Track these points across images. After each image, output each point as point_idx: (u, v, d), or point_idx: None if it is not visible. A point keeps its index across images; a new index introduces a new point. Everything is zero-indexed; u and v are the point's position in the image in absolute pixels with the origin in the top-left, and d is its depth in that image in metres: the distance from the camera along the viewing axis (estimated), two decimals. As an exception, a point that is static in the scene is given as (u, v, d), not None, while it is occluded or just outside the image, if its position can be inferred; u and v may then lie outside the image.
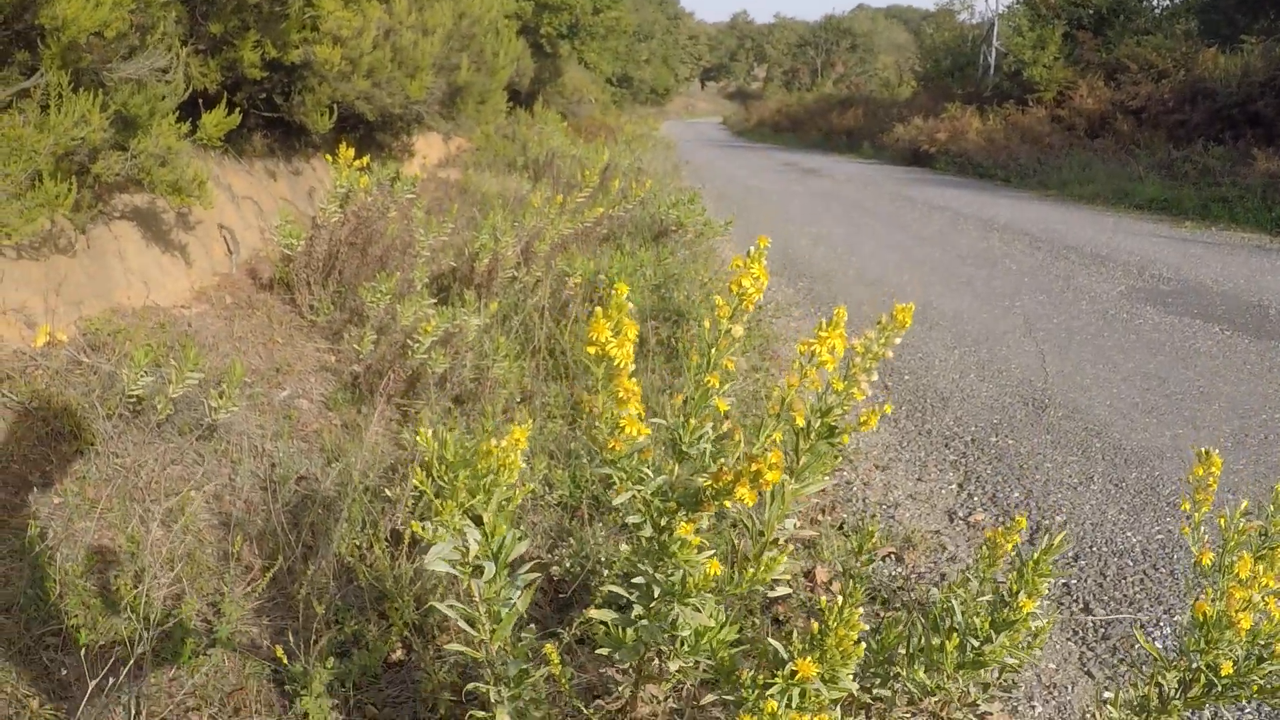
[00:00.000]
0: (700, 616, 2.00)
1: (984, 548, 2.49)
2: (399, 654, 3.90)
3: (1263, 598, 2.10)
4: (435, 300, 7.36)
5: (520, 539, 2.14)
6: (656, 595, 2.06)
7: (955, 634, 2.28)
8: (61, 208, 5.27)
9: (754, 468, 1.87)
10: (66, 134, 5.22)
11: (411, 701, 3.59)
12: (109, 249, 6.34)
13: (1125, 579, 4.86)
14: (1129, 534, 5.31)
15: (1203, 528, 2.38)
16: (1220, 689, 2.12)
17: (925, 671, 2.33)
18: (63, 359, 5.09)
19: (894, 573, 4.86)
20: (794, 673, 1.77)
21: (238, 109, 7.78)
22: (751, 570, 2.01)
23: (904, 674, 2.37)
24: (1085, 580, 4.86)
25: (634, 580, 2.12)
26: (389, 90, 10.41)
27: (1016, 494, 5.79)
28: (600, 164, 12.09)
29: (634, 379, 2.00)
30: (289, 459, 5.19)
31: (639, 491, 2.04)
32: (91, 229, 6.19)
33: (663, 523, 2.02)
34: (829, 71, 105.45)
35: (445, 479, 1.98)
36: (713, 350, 2.09)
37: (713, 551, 2.07)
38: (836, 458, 2.50)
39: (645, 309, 8.29)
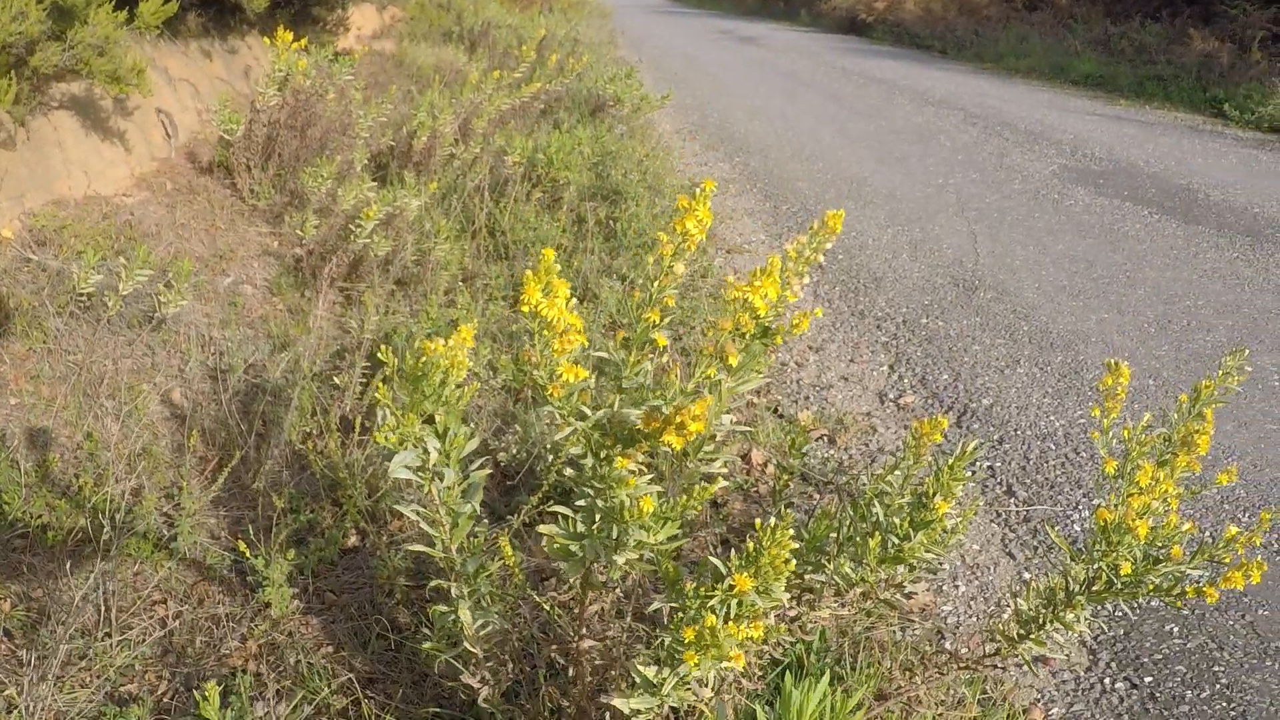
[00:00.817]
0: (642, 534, 2.15)
1: (909, 438, 2.63)
2: (353, 540, 4.03)
3: (1161, 503, 2.28)
4: (375, 180, 7.42)
5: (470, 437, 2.28)
6: (598, 519, 2.21)
7: (878, 532, 2.45)
8: (2, 104, 5.28)
9: (680, 418, 2.01)
10: (4, 29, 5.22)
11: (368, 586, 3.73)
12: (48, 140, 6.33)
13: (1048, 462, 5.05)
14: (1052, 418, 5.50)
15: (1111, 433, 2.53)
16: (1120, 587, 2.30)
17: (850, 565, 2.50)
18: (10, 257, 5.12)
19: (827, 455, 5.03)
20: (732, 586, 1.93)
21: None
22: (685, 498, 2.15)
23: (830, 567, 2.53)
24: (1009, 464, 5.04)
25: (578, 503, 2.27)
26: (323, -37, 10.34)
27: (945, 376, 5.96)
28: (537, 37, 12.07)
29: (573, 312, 2.11)
30: (236, 347, 5.28)
31: (580, 426, 2.18)
32: (30, 121, 6.18)
33: (601, 455, 2.16)
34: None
35: (405, 391, 2.11)
36: (655, 285, 2.21)
37: (648, 478, 2.20)
38: (771, 355, 2.64)
39: (584, 189, 8.37)
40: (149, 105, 7.40)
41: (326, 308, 6.08)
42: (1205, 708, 3.53)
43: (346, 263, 6.32)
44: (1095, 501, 4.70)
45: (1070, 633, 2.47)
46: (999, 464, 5.04)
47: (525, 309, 2.02)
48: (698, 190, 2.19)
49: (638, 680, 2.11)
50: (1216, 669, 3.72)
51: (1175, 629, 3.93)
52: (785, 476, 3.30)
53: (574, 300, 2.14)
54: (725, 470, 2.75)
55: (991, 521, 4.57)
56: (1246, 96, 16.84)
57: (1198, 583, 2.23)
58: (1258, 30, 19.65)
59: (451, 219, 7.25)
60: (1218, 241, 8.81)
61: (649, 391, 2.21)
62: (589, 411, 2.17)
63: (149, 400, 4.63)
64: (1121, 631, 3.90)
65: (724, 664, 1.97)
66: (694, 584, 2.00)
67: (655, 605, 2.33)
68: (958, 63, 24.02)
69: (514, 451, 4.53)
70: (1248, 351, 2.46)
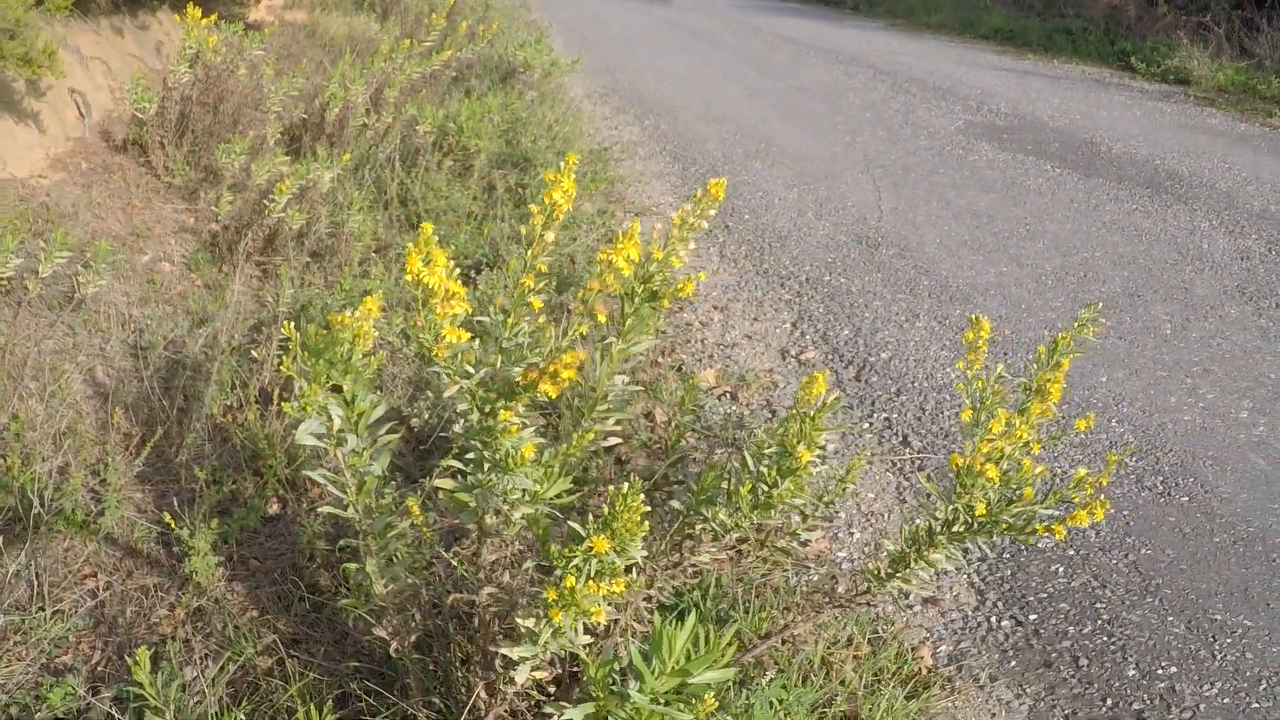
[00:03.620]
0: (526, 482, 2.35)
1: (798, 394, 2.80)
2: (275, 508, 4.19)
3: (1013, 450, 2.49)
4: (288, 153, 7.51)
5: (377, 404, 2.45)
6: (486, 470, 2.40)
7: (749, 480, 2.64)
8: (-88, 90, 5.34)
9: (553, 368, 2.19)
10: (-86, 15, 5.28)
11: (290, 552, 3.90)
12: (-38, 125, 6.41)
13: (943, 413, 5.28)
14: (949, 370, 5.72)
15: (975, 384, 2.73)
16: (976, 526, 2.51)
17: (725, 512, 2.70)
18: (-75, 241, 5.21)
19: (729, 410, 5.23)
20: (591, 548, 2.12)
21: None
22: (566, 446, 2.34)
23: (708, 515, 2.73)
24: (905, 415, 5.26)
25: (468, 456, 2.45)
26: (232, -64, 10.35)
27: (846, 332, 6.17)
28: (447, 4, 12.15)
29: (455, 279, 2.29)
30: (156, 324, 5.40)
31: (464, 384, 2.36)
32: (-57, 107, 6.25)
33: (486, 409, 2.35)
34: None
35: (308, 363, 2.28)
36: (528, 253, 2.39)
37: (532, 429, 2.39)
38: (659, 318, 2.82)
39: (495, 156, 8.49)
40: (62, 85, 7.44)
41: (244, 282, 6.19)
42: (1087, 643, 3.77)
43: (262, 237, 6.42)
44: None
45: (933, 570, 2.68)
46: (895, 415, 5.25)
47: (409, 278, 2.18)
48: (562, 164, 2.37)
49: (522, 631, 2.31)
50: (1099, 605, 3.96)
51: (1060, 569, 4.17)
52: (678, 433, 3.48)
53: (482, 269, 2.30)
54: (619, 428, 2.94)
55: (887, 470, 4.79)
56: (1153, 49, 17.15)
57: (1047, 522, 2.44)
58: (1166, -18, 19.97)
59: (364, 190, 7.37)
60: (1118, 194, 9.08)
61: (527, 350, 2.39)
62: (472, 370, 2.35)
63: (72, 380, 4.74)
64: (1009, 572, 4.13)
65: (588, 619, 2.18)
66: (558, 545, 2.19)
67: (528, 564, 2.53)
68: (869, 19, 24.21)
69: (426, 417, 4.69)
70: (1102, 304, 2.66)
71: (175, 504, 4.01)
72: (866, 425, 5.17)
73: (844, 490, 3.17)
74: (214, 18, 7.72)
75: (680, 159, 10.19)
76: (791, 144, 10.73)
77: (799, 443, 2.52)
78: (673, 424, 4.57)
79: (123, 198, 6.90)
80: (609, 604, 2.23)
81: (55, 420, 4.38)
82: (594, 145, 10.26)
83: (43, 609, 3.43)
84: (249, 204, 6.59)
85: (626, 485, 2.09)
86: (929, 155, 10.31)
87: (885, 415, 5.26)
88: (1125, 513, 4.51)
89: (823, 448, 2.59)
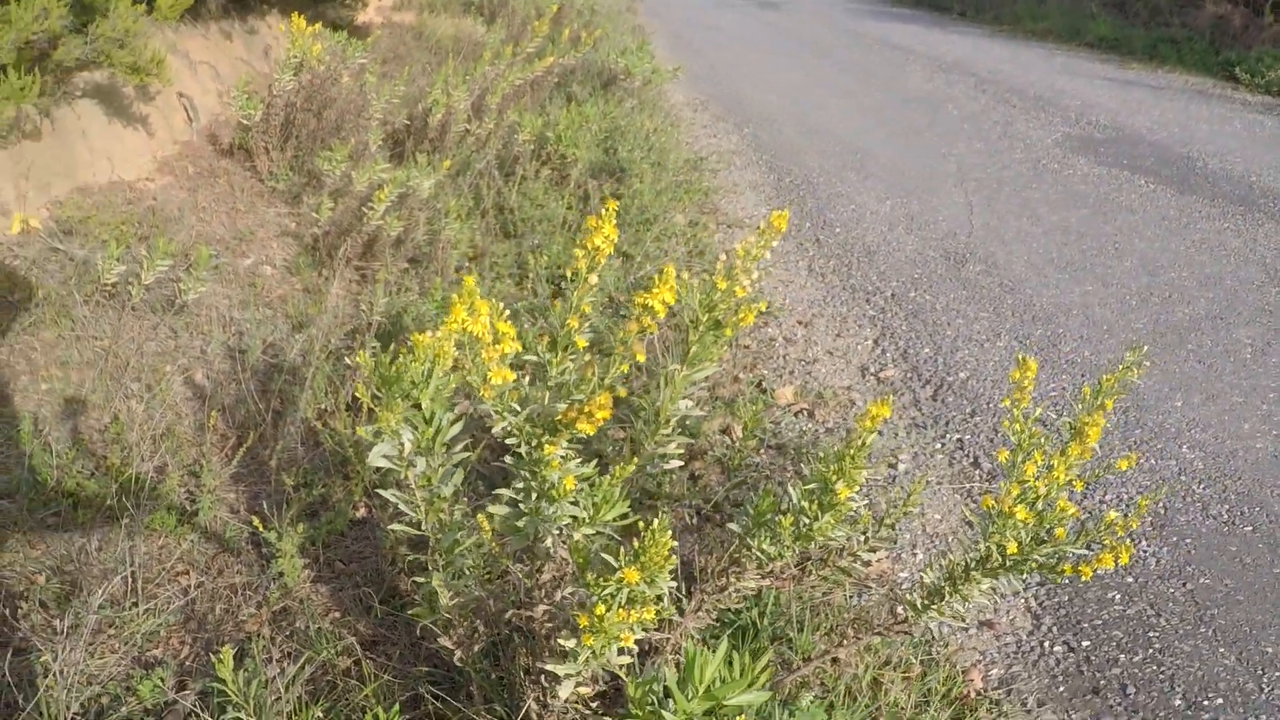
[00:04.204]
0: (572, 509, 2.49)
1: (861, 421, 2.88)
2: (361, 512, 4.35)
3: (1049, 489, 2.58)
4: (391, 157, 7.70)
5: (455, 423, 2.60)
6: (534, 497, 2.54)
7: (791, 514, 2.75)
8: (28, 99, 5.54)
9: (589, 408, 2.33)
10: (28, 28, 5.48)
11: (374, 556, 4.05)
12: (73, 129, 6.60)
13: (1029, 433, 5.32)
14: (1026, 391, 5.76)
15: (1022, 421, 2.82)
16: (1008, 564, 2.61)
17: (769, 541, 2.81)
18: (38, 247, 5.42)
19: (804, 428, 5.31)
20: (622, 579, 2.25)
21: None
22: (614, 471, 2.48)
23: (752, 544, 2.84)
24: (978, 436, 5.30)
25: (516, 485, 2.60)
26: (342, -58, 10.57)
27: (927, 350, 6.23)
28: (552, 11, 12.30)
29: (508, 322, 2.43)
30: (255, 328, 5.58)
31: (513, 420, 2.50)
32: (55, 111, 6.44)
33: (533, 443, 2.49)
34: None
35: (382, 392, 2.44)
36: (575, 295, 2.53)
37: (576, 460, 2.53)
38: (722, 346, 2.94)
39: (592, 165, 8.62)
40: (170, 89, 7.65)
41: (342, 287, 6.37)
42: (1136, 671, 3.82)
43: (361, 243, 6.59)
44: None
45: (968, 603, 2.78)
46: (968, 436, 5.30)
47: (454, 327, 2.32)
48: (603, 210, 2.49)
49: (565, 649, 2.44)
50: (1151, 634, 4.01)
51: (1117, 596, 4.22)
52: (740, 457, 3.60)
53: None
54: (680, 452, 3.06)
55: (955, 492, 4.85)
56: (1258, 60, 16.88)
57: (1076, 562, 2.53)
58: (1272, -7, 19.69)
59: (462, 198, 7.53)
60: (1210, 212, 9.02)
61: (572, 387, 2.53)
62: (519, 407, 2.49)
63: (172, 381, 4.94)
64: (1066, 597, 4.19)
65: (618, 643, 2.32)
66: (594, 575, 2.33)
67: (567, 589, 2.67)
68: (975, 25, 24.04)
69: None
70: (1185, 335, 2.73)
71: (266, 506, 4.18)
72: (939, 445, 5.23)
73: (905, 512, 3.27)
74: (318, 26, 7.91)
75: (776, 169, 10.27)
76: (887, 156, 10.77)
77: (838, 480, 2.62)
78: (738, 447, 4.66)
79: (227, 202, 7.11)
80: (643, 629, 2.36)
81: (154, 421, 4.57)
82: (690, 155, 10.36)
83: (136, 604, 3.60)
84: (349, 210, 6.76)
85: (655, 522, 2.22)
86: (1024, 169, 10.29)
87: (958, 436, 5.31)
88: (1188, 541, 4.54)
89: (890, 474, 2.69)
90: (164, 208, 6.51)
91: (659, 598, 2.32)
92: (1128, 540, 2.47)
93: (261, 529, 3.85)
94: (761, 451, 4.92)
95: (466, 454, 2.73)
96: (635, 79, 12.15)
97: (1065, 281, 7.27)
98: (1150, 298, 7.04)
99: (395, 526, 2.74)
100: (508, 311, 2.44)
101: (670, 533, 2.22)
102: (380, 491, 2.72)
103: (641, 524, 2.27)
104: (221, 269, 5.99)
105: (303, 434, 4.75)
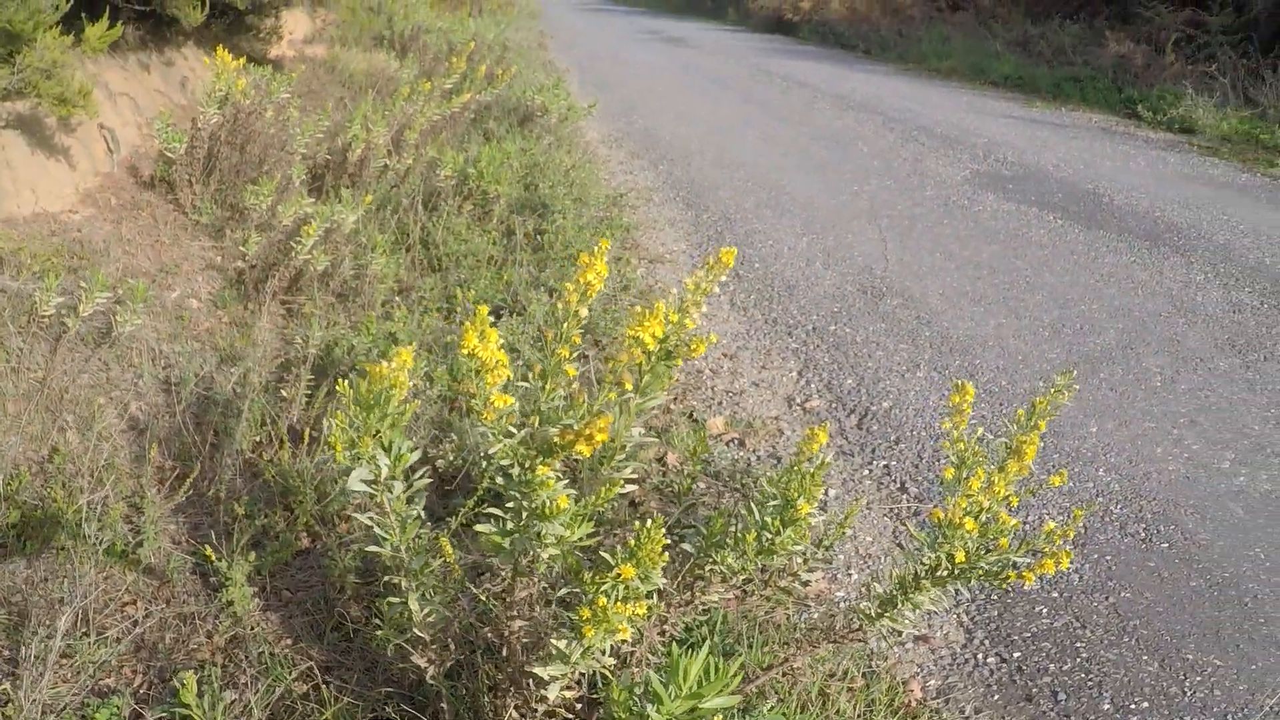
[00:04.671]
0: (559, 529, 2.60)
1: (800, 446, 3.01)
2: (305, 542, 4.40)
3: (991, 503, 2.72)
4: (312, 191, 7.76)
5: (414, 449, 2.69)
6: (524, 517, 2.64)
7: (754, 529, 2.87)
8: (-47, 129, 5.57)
9: (587, 431, 2.45)
10: (-46, 55, 5.51)
11: (321, 584, 4.11)
12: (-3, 160, 6.62)
13: (939, 461, 5.47)
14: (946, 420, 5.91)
15: (959, 443, 2.96)
16: (956, 572, 2.74)
17: (731, 556, 2.93)
18: (-31, 279, 5.44)
19: (736, 456, 5.44)
20: (618, 574, 2.37)
21: (113, 9, 8.01)
22: (593, 498, 2.59)
23: (716, 558, 2.96)
24: (904, 462, 5.46)
25: (508, 505, 2.70)
26: (259, -20, 10.60)
27: (850, 381, 6.37)
28: (467, 49, 12.40)
29: (501, 349, 2.53)
30: (187, 361, 5.61)
31: (507, 442, 2.61)
32: (-21, 141, 6.46)
33: (526, 465, 2.60)
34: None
35: (359, 417, 2.52)
36: (563, 327, 2.64)
37: (564, 482, 2.64)
38: (673, 376, 3.05)
39: (514, 201, 8.72)
40: (92, 121, 7.66)
41: (270, 320, 6.41)
42: (1066, 679, 3.98)
43: (288, 277, 6.63)
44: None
45: (918, 610, 2.91)
46: (894, 463, 5.45)
47: (464, 352, 2.43)
48: (595, 248, 2.61)
49: (554, 652, 2.54)
50: (1079, 644, 4.17)
51: (1045, 610, 4.37)
52: (689, 481, 3.72)
53: (502, 314, 2.55)
54: (635, 476, 3.17)
55: (884, 516, 4.99)
56: (1160, 98, 17.33)
57: (1019, 569, 2.68)
58: (1172, 32, 20.17)
59: (387, 233, 7.60)
60: (1117, 246, 9.28)
61: (562, 412, 2.64)
62: (515, 430, 2.60)
63: (107, 414, 4.96)
64: (996, 612, 4.34)
65: (615, 636, 2.43)
66: (591, 573, 2.44)
67: (563, 590, 2.77)
68: (881, 63, 24.50)
69: (451, 459, 4.90)
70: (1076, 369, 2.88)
71: (212, 536, 4.22)
72: (866, 472, 5.37)
73: (842, 535, 3.40)
74: (243, 61, 7.96)
75: (693, 205, 10.43)
76: (802, 192, 10.95)
77: (799, 496, 2.74)
78: (684, 471, 4.77)
79: (151, 234, 7.12)
80: (632, 626, 2.47)
81: (93, 454, 4.59)
82: (609, 191, 10.51)
83: (86, 634, 3.64)
84: (275, 244, 6.80)
85: (650, 521, 2.34)
86: (935, 205, 10.51)
87: (885, 462, 5.45)
88: (1108, 558, 4.70)
89: (822, 500, 2.82)
90: (89, 240, 6.51)
91: (650, 594, 2.44)
92: (1066, 547, 2.60)
93: (212, 558, 3.90)
94: (699, 478, 5.04)
95: (426, 480, 2.82)
96: (552, 116, 12.27)
97: (980, 314, 7.45)
98: (1062, 329, 7.23)
99: (369, 548, 2.82)
100: (501, 343, 2.53)
101: (663, 531, 2.34)
102: (357, 515, 2.79)
103: (638, 524, 2.38)
104: (149, 301, 6.00)
105: (240, 466, 4.79)
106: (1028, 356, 6.74)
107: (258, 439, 4.99)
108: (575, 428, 2.50)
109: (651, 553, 2.35)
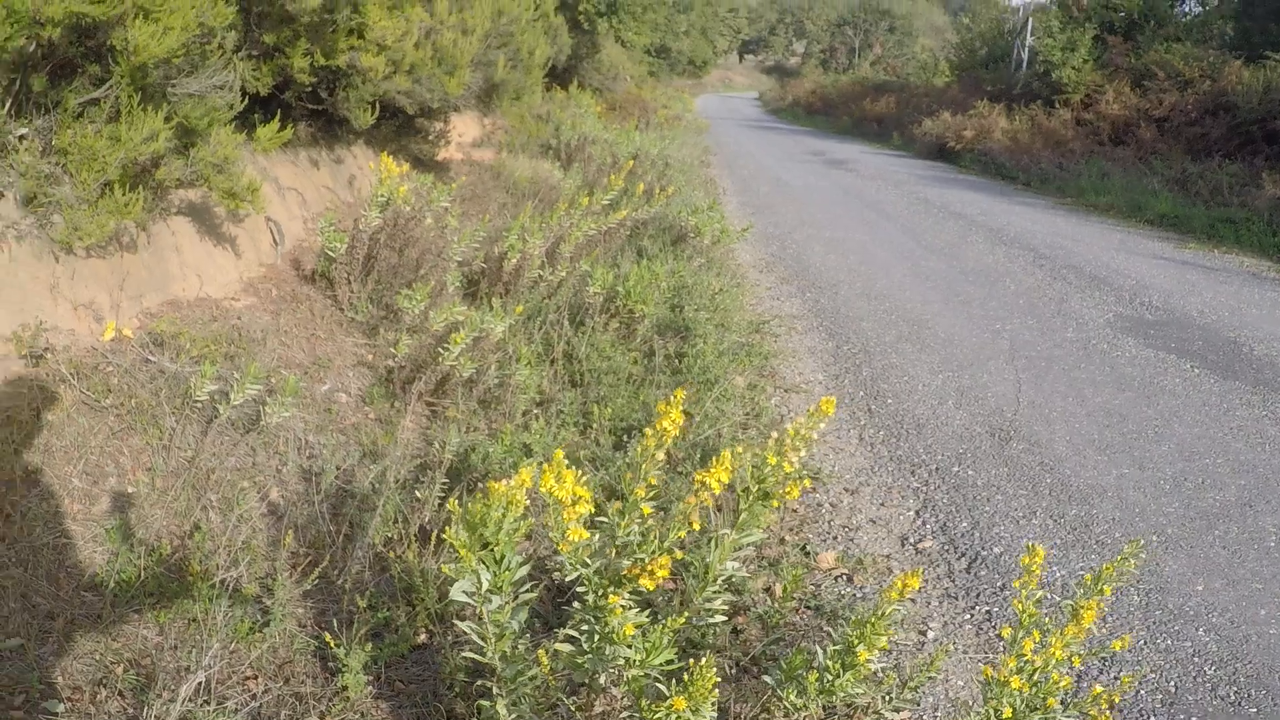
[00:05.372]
0: (628, 652, 2.80)
1: (887, 593, 3.16)
2: (423, 638, 4.63)
3: (1043, 664, 2.86)
4: (466, 296, 8.07)
5: (523, 564, 2.91)
6: (597, 640, 2.85)
7: (815, 671, 3.03)
8: (131, 215, 5.93)
9: (651, 567, 2.66)
10: (136, 148, 5.89)
11: (433, 679, 4.33)
12: (167, 244, 6.98)
13: (1044, 610, 5.53)
14: (1055, 568, 5.95)
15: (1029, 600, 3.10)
16: (1004, 727, 2.88)
17: (795, 693, 3.09)
18: (131, 357, 5.78)
19: (843, 591, 5.56)
20: (671, 705, 2.56)
21: (285, 106, 8.46)
22: (667, 621, 2.78)
23: (781, 694, 3.12)
24: (1007, 610, 5.51)
25: (583, 628, 2.91)
26: (428, 86, 10.99)
27: (965, 524, 6.44)
28: (627, 167, 12.73)
29: (582, 485, 2.75)
30: (330, 453, 5.91)
31: (583, 572, 2.82)
32: (152, 226, 6.82)
33: (600, 593, 2.81)
34: (866, 53, 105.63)
35: (464, 535, 2.76)
36: (641, 469, 2.86)
37: (636, 610, 2.85)
38: (770, 515, 3.24)
39: (659, 321, 8.96)
40: (259, 214, 8.04)
41: (413, 420, 6.69)
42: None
43: (434, 380, 6.90)
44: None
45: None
46: (997, 609, 5.51)
47: (543, 490, 2.66)
48: (670, 398, 2.82)
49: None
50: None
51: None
52: (778, 617, 3.89)
53: (633, 433, 2.74)
54: (725, 608, 3.35)
55: (982, 660, 5.07)
56: (1315, 243, 17.05)
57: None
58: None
59: (533, 344, 7.87)
60: (1250, 399, 9.18)
61: (636, 547, 2.85)
62: (590, 562, 2.82)
63: (249, 497, 5.27)
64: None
65: None
66: (649, 701, 2.63)
67: (623, 716, 2.96)
68: (1039, 196, 24.38)
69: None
70: (1138, 544, 3.01)
71: (335, 624, 4.48)
72: (968, 616, 5.46)
73: (929, 677, 3.54)
74: (406, 168, 8.33)
75: (835, 336, 10.58)
76: (944, 328, 11.04)
77: (859, 643, 2.91)
78: (778, 606, 4.92)
79: (308, 327, 7.46)
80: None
81: (231, 534, 4.89)
82: (754, 316, 10.76)
83: (207, 702, 3.89)
84: (425, 347, 7.07)
85: (703, 660, 2.53)
86: (1074, 348, 10.51)
87: (987, 608, 5.51)
88: (1194, 718, 4.75)
89: (885, 648, 2.97)
90: (248, 328, 6.85)
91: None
92: (1110, 712, 2.73)
93: (333, 644, 4.14)
94: (800, 611, 5.18)
95: (531, 594, 3.04)
96: (704, 237, 12.51)
97: (1103, 463, 7.47)
98: (1184, 482, 7.22)
99: (468, 653, 3.03)
100: (584, 476, 2.75)
101: (715, 671, 2.53)
102: (458, 623, 3.02)
103: (691, 662, 2.57)
104: (299, 392, 6.30)
105: (370, 559, 5.04)
106: (1145, 509, 6.75)
107: (389, 535, 5.24)
108: (646, 562, 2.70)
109: (702, 689, 2.54)
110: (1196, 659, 5.21)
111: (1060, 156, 27.64)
